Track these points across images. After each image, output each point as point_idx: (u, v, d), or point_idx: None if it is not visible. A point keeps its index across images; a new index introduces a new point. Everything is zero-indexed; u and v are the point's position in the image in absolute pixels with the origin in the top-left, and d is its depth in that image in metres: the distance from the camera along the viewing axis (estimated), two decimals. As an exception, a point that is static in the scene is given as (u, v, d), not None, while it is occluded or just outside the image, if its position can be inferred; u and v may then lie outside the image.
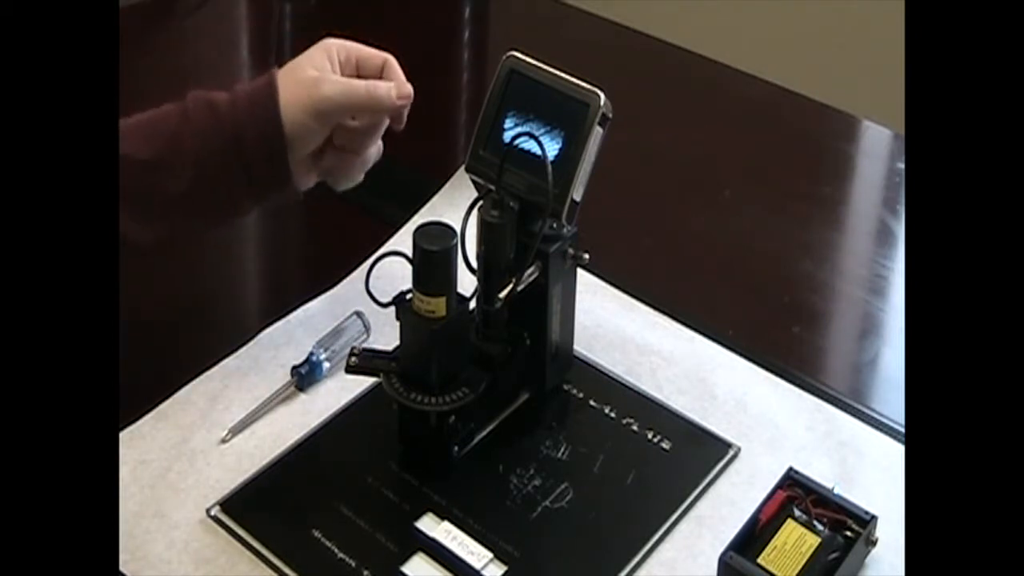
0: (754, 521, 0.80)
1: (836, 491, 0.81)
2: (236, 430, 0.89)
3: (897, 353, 1.00)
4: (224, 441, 0.89)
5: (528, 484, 0.86)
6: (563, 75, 0.83)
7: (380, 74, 0.91)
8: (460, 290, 0.88)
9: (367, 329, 0.95)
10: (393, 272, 0.89)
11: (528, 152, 0.82)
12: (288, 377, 0.93)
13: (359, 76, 0.91)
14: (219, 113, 0.88)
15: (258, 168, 0.88)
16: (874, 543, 0.81)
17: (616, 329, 0.99)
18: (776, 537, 0.79)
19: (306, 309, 1.00)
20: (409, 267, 0.85)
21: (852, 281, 1.10)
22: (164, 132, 0.88)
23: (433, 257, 0.82)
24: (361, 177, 0.94)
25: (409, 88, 0.89)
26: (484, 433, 0.88)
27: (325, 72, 0.89)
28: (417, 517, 0.83)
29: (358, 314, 0.95)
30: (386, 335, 0.93)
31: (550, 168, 0.80)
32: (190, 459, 0.87)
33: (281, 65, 0.91)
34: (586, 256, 0.86)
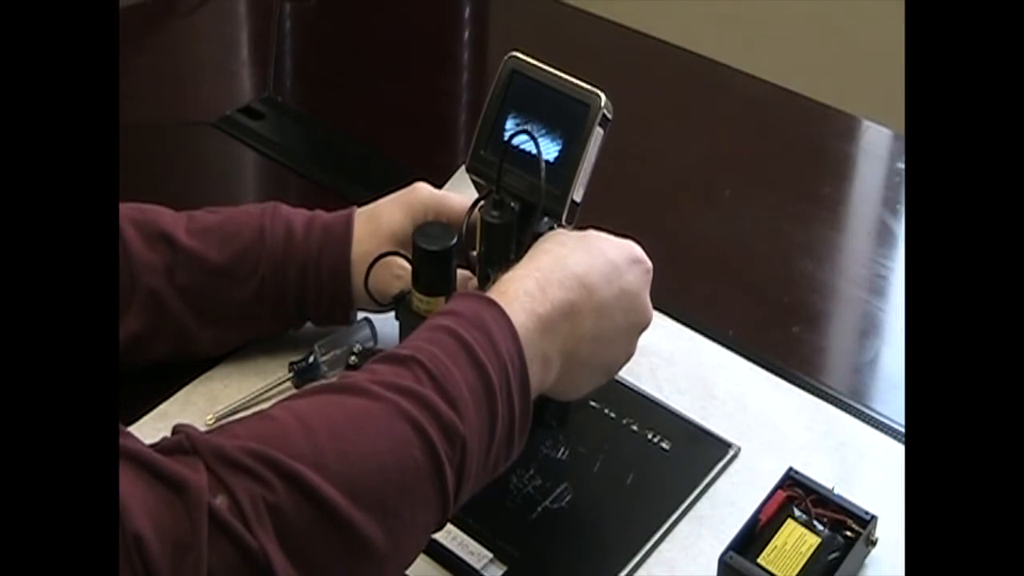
0: (754, 521, 0.80)
1: (836, 491, 0.82)
2: (221, 416, 0.90)
3: (897, 353, 1.00)
4: (208, 425, 0.89)
5: (528, 484, 0.86)
6: (564, 75, 0.83)
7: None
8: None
9: (375, 337, 0.95)
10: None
11: (528, 152, 0.82)
12: (286, 373, 0.93)
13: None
14: (293, 241, 0.90)
15: (316, 303, 0.91)
16: (874, 543, 0.81)
17: (616, 329, 0.99)
18: (776, 537, 0.79)
19: (306, 309, 1.00)
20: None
21: (852, 281, 1.10)
22: (238, 242, 0.90)
23: (432, 257, 0.82)
24: None
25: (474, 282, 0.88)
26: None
27: (401, 235, 0.89)
28: (417, 517, 0.83)
29: (368, 320, 0.95)
30: (393, 342, 0.93)
31: (543, 163, 0.80)
32: (190, 459, 0.87)
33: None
34: None
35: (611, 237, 0.82)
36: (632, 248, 0.82)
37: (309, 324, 0.94)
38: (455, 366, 0.69)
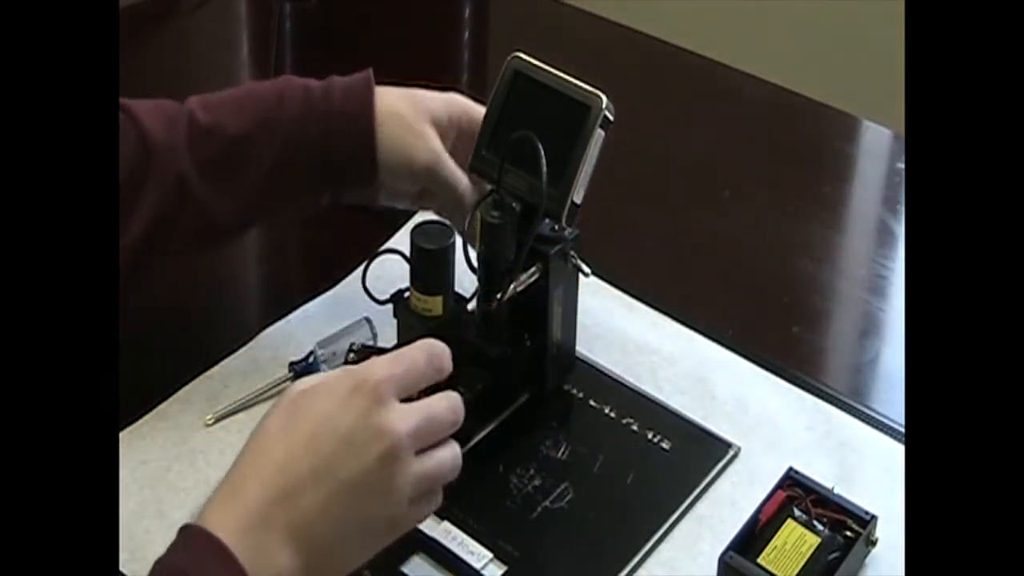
0: (754, 521, 0.80)
1: (836, 491, 0.82)
2: (220, 416, 0.90)
3: (897, 353, 1.00)
4: (207, 426, 0.89)
5: (528, 484, 0.86)
6: (567, 76, 0.83)
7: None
8: (461, 289, 0.88)
9: (374, 336, 0.95)
10: (393, 272, 0.89)
11: (529, 153, 0.82)
12: (286, 373, 0.93)
13: (465, 134, 0.90)
14: (312, 99, 0.88)
15: (341, 162, 0.88)
16: (874, 543, 0.81)
17: (616, 329, 0.99)
18: (776, 537, 0.79)
19: (306, 309, 1.00)
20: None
21: (852, 281, 1.10)
22: (256, 109, 0.88)
23: (430, 256, 0.82)
24: (465, 214, 0.88)
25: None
26: (484, 433, 0.88)
27: (436, 113, 0.89)
28: (417, 517, 0.83)
29: (367, 319, 0.95)
30: (392, 341, 0.93)
31: (544, 167, 0.80)
32: (190, 459, 0.87)
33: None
34: (587, 269, 0.86)
35: (335, 394, 0.69)
36: (347, 382, 0.69)
37: (312, 317, 0.94)
38: None
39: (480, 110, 0.89)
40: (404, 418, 0.68)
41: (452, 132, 0.89)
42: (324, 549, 0.67)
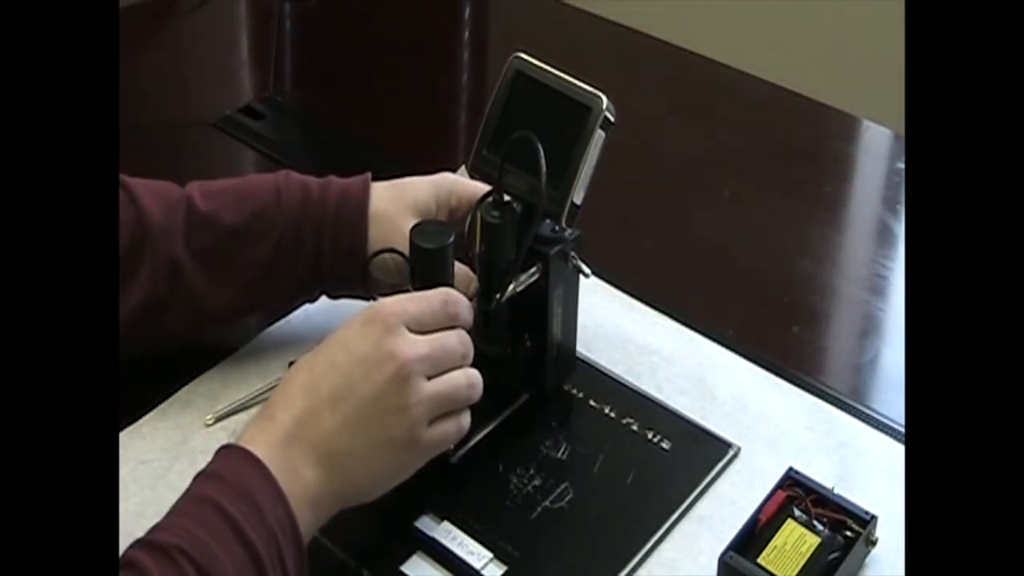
0: (754, 521, 0.80)
1: (836, 491, 0.82)
2: (220, 416, 0.90)
3: (897, 353, 1.00)
4: (207, 425, 0.89)
5: (528, 484, 0.86)
6: (568, 77, 0.83)
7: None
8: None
9: None
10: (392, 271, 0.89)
11: (530, 153, 0.82)
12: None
13: (456, 212, 0.90)
14: (309, 200, 0.89)
15: (332, 265, 0.90)
16: (874, 543, 0.81)
17: (616, 329, 0.99)
18: (776, 537, 0.79)
19: (306, 309, 1.00)
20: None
21: (852, 281, 1.10)
22: (254, 202, 0.89)
23: (429, 255, 0.82)
24: None
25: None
26: (484, 433, 0.88)
27: (423, 207, 0.89)
28: (416, 517, 0.83)
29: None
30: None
31: (543, 168, 0.80)
32: (190, 459, 0.87)
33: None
34: (588, 271, 0.86)
35: (352, 325, 0.77)
36: (363, 315, 0.77)
37: (312, 317, 0.94)
38: (222, 548, 0.67)
39: (470, 184, 0.90)
40: (413, 344, 0.76)
41: (442, 214, 0.91)
42: (345, 464, 0.74)
